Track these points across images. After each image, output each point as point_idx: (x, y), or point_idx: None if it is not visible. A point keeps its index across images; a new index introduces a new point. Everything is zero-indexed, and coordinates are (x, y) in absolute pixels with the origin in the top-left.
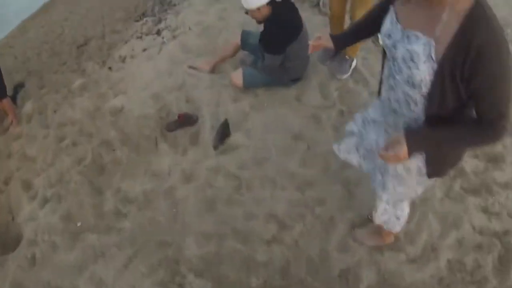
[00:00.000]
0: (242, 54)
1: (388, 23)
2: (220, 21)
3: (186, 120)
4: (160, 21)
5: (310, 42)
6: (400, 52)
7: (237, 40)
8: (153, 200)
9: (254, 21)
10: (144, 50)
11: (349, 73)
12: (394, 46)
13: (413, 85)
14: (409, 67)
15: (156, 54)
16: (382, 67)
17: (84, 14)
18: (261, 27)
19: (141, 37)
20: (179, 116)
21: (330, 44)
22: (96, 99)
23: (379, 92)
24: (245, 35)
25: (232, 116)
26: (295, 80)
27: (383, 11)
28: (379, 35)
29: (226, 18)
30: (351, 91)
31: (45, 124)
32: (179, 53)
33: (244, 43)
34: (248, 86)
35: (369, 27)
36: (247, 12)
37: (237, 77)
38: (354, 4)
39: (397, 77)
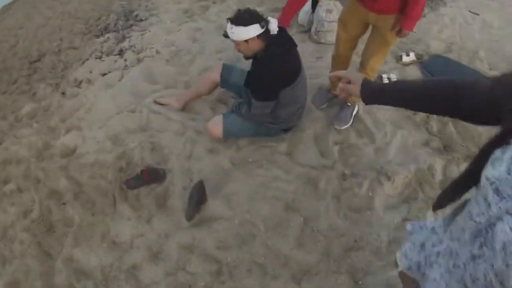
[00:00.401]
0: (220, 92)
1: (503, 168)
2: (193, 44)
3: (151, 177)
4: (123, 38)
5: (338, 89)
6: (502, 229)
7: (214, 73)
8: (113, 279)
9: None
10: (103, 74)
11: (350, 123)
12: (499, 216)
13: (501, 283)
14: (507, 263)
15: (116, 81)
16: (458, 185)
17: (42, 23)
18: (248, 63)
19: (100, 57)
20: (142, 172)
21: (357, 93)
22: (45, 134)
23: (436, 207)
24: (226, 70)
25: (208, 174)
26: (287, 130)
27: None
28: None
29: (201, 41)
30: (354, 147)
31: None
32: (143, 83)
33: (225, 81)
34: (229, 137)
35: (439, 103)
36: (226, 36)
37: (216, 125)
38: (368, 51)
39: (486, 251)
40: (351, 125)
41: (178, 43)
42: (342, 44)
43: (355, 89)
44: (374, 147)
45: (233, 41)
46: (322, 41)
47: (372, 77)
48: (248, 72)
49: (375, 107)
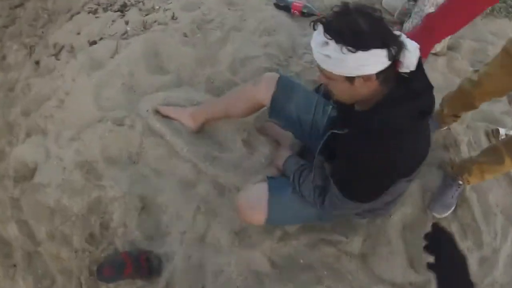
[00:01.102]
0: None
1: None
2: (229, 11)
3: (138, 271)
4: None
5: None
6: None
7: (261, 90)
8: None
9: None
10: (92, 43)
11: (453, 208)
12: None
13: None
14: None
15: (107, 58)
16: None
17: None
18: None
19: (95, 12)
20: (124, 258)
21: None
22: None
23: None
24: (283, 90)
25: (232, 280)
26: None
27: None
28: None
29: (239, 7)
30: None
31: None
32: (146, 71)
33: (277, 109)
34: (276, 224)
35: None
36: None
37: (255, 206)
38: None
39: None
40: (453, 212)
41: (206, 6)
42: (491, 82)
43: None
44: (479, 256)
45: (320, 70)
46: None
47: None
48: (335, 125)
49: (485, 186)
